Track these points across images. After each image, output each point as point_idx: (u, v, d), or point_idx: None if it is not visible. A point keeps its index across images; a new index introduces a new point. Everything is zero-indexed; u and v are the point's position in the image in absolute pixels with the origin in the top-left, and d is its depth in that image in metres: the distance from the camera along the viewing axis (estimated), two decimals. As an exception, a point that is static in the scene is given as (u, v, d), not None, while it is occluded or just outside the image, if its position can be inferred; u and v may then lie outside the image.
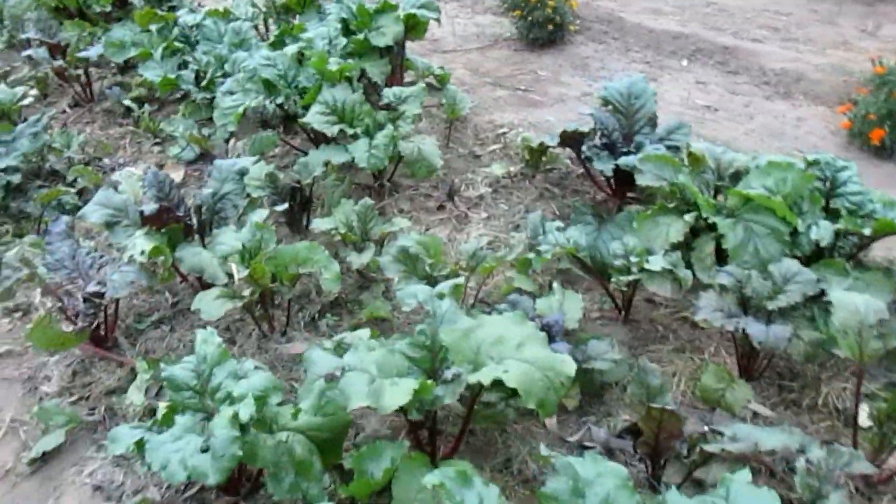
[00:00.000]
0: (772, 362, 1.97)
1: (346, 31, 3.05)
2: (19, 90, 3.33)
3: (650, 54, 3.89)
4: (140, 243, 2.07)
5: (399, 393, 1.43)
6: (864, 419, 1.78)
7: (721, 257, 2.08)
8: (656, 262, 1.96)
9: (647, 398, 1.67)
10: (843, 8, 4.41)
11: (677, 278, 1.97)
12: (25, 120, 3.00)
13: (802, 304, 1.85)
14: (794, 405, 1.92)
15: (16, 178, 2.78)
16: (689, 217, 2.12)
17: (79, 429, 1.92)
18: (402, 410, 1.52)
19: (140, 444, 1.53)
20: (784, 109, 3.37)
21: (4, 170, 2.79)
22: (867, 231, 1.97)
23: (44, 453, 1.85)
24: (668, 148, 2.43)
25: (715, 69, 3.72)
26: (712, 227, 2.10)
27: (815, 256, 2.05)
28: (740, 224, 2.05)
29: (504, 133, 3.09)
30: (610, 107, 2.59)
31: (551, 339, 1.74)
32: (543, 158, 2.78)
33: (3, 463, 1.87)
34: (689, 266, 2.08)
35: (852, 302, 1.69)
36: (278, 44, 3.14)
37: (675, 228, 2.11)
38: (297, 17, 3.63)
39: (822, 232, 1.98)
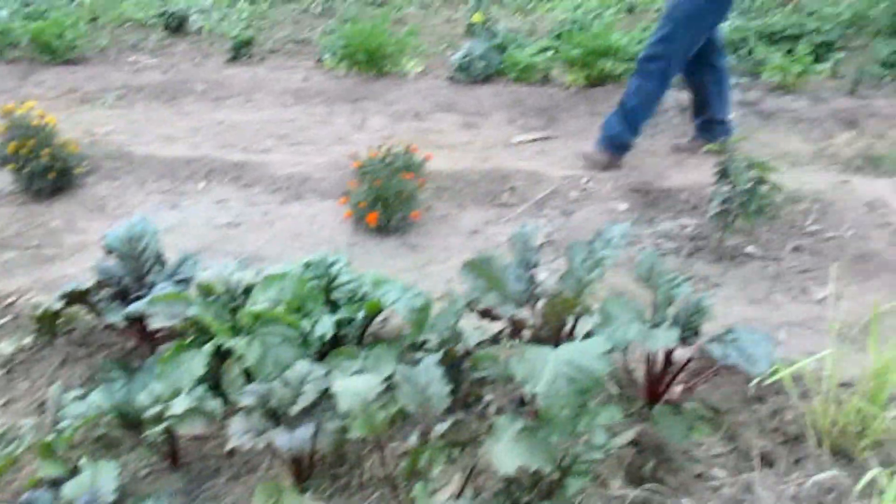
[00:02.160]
0: (314, 458, 2.09)
1: None
2: None
3: (167, 183, 3.93)
4: None
5: None
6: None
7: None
8: (180, 404, 1.96)
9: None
10: (335, 108, 4.98)
11: (206, 412, 1.99)
12: None
13: (321, 400, 2.01)
14: (345, 489, 2.06)
15: None
16: (208, 347, 2.17)
17: None
18: None
19: None
20: (299, 211, 3.67)
21: None
22: (361, 315, 2.23)
23: None
24: (180, 282, 2.47)
25: (231, 185, 3.91)
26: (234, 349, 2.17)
27: (329, 349, 2.25)
28: (256, 340, 2.16)
29: (13, 302, 2.84)
30: (115, 254, 2.54)
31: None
32: (59, 321, 2.61)
33: None
34: (224, 394, 2.14)
35: (351, 388, 1.88)
36: None
37: (197, 363, 2.13)
38: None
39: (325, 327, 2.19)
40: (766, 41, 5.54)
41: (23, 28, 5.68)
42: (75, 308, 2.63)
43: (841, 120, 4.61)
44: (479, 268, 2.11)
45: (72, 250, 3.38)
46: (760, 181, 2.96)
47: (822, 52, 5.44)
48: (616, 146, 3.90)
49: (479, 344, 2.36)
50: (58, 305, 2.39)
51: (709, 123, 4.04)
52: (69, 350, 2.56)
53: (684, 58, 3.70)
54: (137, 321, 2.39)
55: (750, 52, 5.43)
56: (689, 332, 2.15)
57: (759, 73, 5.16)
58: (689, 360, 2.15)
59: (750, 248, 3.25)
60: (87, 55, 5.90)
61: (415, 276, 3.16)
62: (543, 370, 1.83)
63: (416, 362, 2.15)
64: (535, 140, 4.50)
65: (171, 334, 2.54)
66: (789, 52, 5.27)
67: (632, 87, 3.81)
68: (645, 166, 3.98)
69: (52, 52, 5.60)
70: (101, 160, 4.11)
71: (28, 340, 2.59)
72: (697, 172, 3.88)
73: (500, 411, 2.22)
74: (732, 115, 4.24)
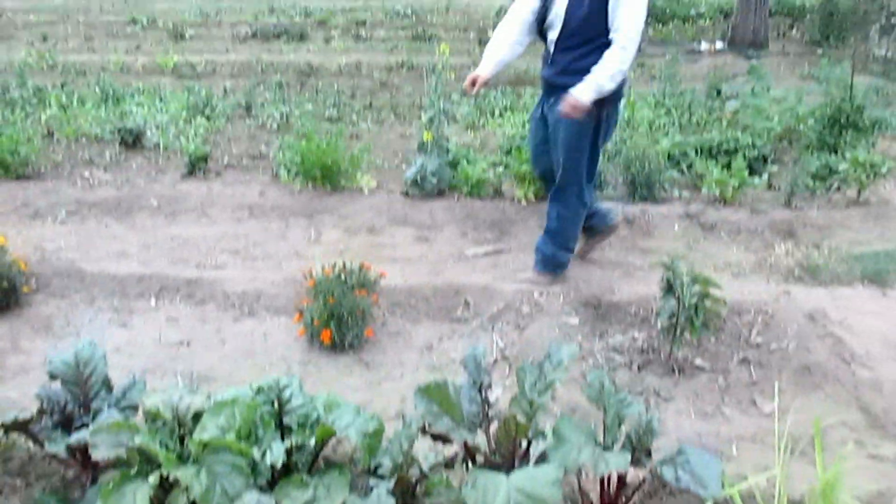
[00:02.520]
0: None
1: None
2: None
3: (117, 301, 3.89)
4: None
5: None
6: None
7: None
8: (121, 543, 1.88)
9: None
10: (290, 222, 5.03)
11: (148, 550, 1.92)
12: None
13: (270, 533, 1.95)
14: None
15: None
16: (152, 478, 2.10)
17: None
18: None
19: None
20: (252, 328, 3.64)
21: None
22: (313, 441, 2.20)
23: None
24: (126, 409, 2.42)
25: (183, 302, 3.88)
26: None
27: (280, 476, 2.20)
28: (203, 470, 2.10)
29: (-52, 432, 2.72)
30: (59, 379, 2.49)
31: None
32: (-3, 451, 2.51)
33: None
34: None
35: (300, 521, 1.84)
36: None
37: (141, 495, 2.06)
38: None
39: (276, 454, 2.15)
40: (704, 155, 5.83)
41: (-24, 144, 5.68)
42: (14, 436, 2.54)
43: (779, 231, 4.82)
44: (432, 392, 2.12)
45: (14, 372, 3.28)
46: (704, 295, 3.06)
47: (757, 165, 5.74)
48: (554, 266, 3.99)
49: (432, 468, 2.34)
50: (-3, 436, 2.30)
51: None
52: (5, 480, 2.45)
53: (592, 174, 3.84)
54: (81, 450, 2.32)
55: (690, 167, 5.70)
56: (640, 452, 2.16)
57: (699, 187, 5.40)
58: (642, 482, 2.16)
59: (699, 361, 3.32)
60: (41, 171, 5.90)
61: (369, 394, 3.15)
62: (496, 498, 1.82)
63: (369, 490, 2.12)
64: (487, 253, 4.59)
65: (116, 462, 2.46)
66: (727, 165, 5.54)
67: (552, 214, 3.91)
68: (594, 279, 4.08)
69: (6, 168, 5.59)
70: (49, 277, 4.05)
71: (-40, 472, 2.48)
72: (644, 285, 3.98)
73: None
74: (619, 216, 4.55)
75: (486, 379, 2.31)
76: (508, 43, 3.75)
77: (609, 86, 3.45)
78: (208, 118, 7.52)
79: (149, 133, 6.70)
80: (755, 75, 7.55)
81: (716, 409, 3.04)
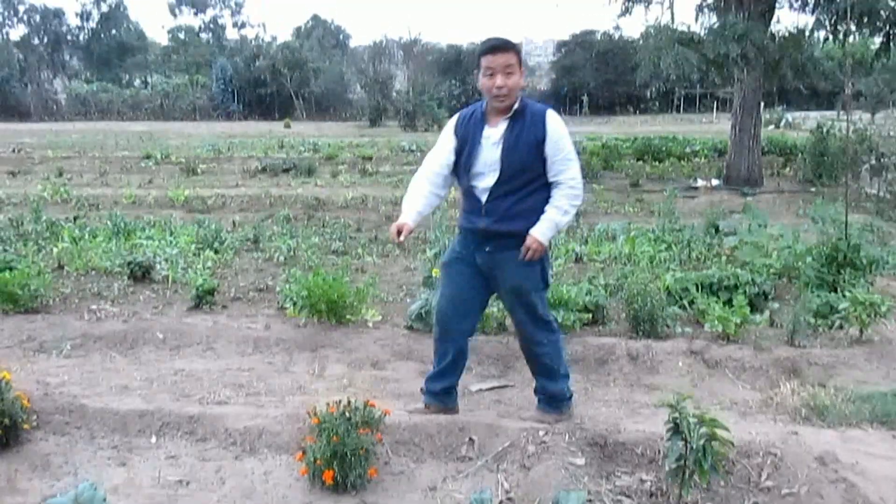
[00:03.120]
0: None
1: None
2: None
3: (117, 438, 3.84)
4: None
5: None
6: None
7: None
8: None
9: None
10: (294, 356, 5.05)
11: None
12: None
13: None
14: None
15: None
16: None
17: None
18: None
19: None
20: (252, 466, 3.58)
21: None
22: None
23: None
24: (123, 556, 2.36)
25: (184, 439, 3.83)
26: None
27: None
28: None
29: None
30: (56, 525, 2.44)
31: None
32: None
33: None
34: None
35: None
36: None
37: None
38: None
39: None
40: (705, 291, 5.91)
41: (-12, 278, 5.78)
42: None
43: (783, 369, 4.81)
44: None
45: (8, 514, 3.20)
46: (712, 437, 3.03)
47: (758, 301, 5.81)
48: (560, 401, 3.97)
49: None
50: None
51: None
52: None
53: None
54: None
55: (692, 303, 5.77)
56: None
57: (701, 323, 5.44)
58: None
59: (709, 505, 3.24)
60: (49, 304, 5.97)
61: (371, 538, 3.06)
62: None
63: None
64: (492, 388, 4.57)
65: None
66: (728, 301, 5.61)
67: (539, 352, 3.93)
68: (599, 417, 4.04)
69: (15, 302, 5.66)
70: (51, 414, 4.02)
71: None
72: (650, 424, 3.94)
73: None
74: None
75: (494, 527, 2.25)
76: (425, 195, 3.81)
77: (565, 223, 3.72)
78: (216, 251, 7.69)
79: (158, 266, 6.84)
80: (749, 213, 7.76)
81: (730, 558, 2.93)
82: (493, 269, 3.76)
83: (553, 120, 3.60)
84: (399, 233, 3.71)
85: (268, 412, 4.08)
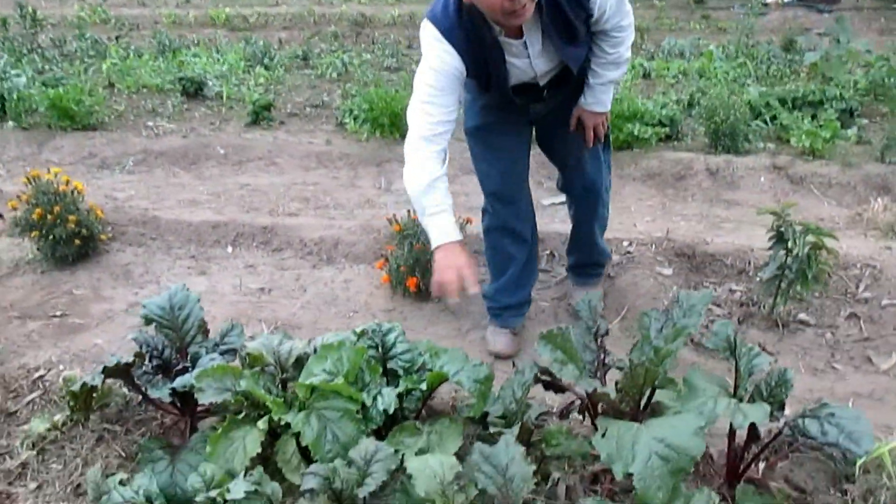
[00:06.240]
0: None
1: None
2: None
3: (194, 248, 3.83)
4: None
5: None
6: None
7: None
8: (238, 489, 1.80)
9: None
10: (359, 171, 4.93)
11: (266, 496, 1.84)
12: None
13: (390, 480, 1.87)
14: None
15: None
16: (262, 424, 2.03)
17: None
18: None
19: None
20: (331, 275, 3.56)
21: None
22: (424, 387, 2.10)
23: None
24: (226, 353, 2.34)
25: (260, 250, 3.80)
26: (289, 426, 2.03)
27: (387, 423, 2.11)
28: (313, 415, 2.02)
29: (42, 376, 2.68)
30: (154, 324, 2.42)
31: None
32: (94, 395, 2.46)
33: None
34: (279, 472, 2.00)
35: (428, 468, 1.75)
36: None
37: (251, 440, 2.00)
38: None
39: (388, 400, 2.05)
40: (789, 107, 5.55)
41: (41, 95, 5.65)
42: (112, 381, 2.49)
43: (873, 186, 4.56)
44: (555, 340, 1.99)
45: (98, 319, 3.24)
46: (818, 247, 2.87)
47: (844, 119, 5.45)
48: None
49: (540, 416, 2.23)
50: (98, 380, 2.24)
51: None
52: (105, 427, 2.40)
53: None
54: (182, 394, 2.25)
55: (774, 118, 5.43)
56: (774, 405, 2.02)
57: (784, 139, 5.15)
58: (775, 436, 2.02)
59: (803, 316, 3.14)
60: (105, 121, 5.86)
61: (457, 342, 3.05)
62: (635, 449, 1.70)
63: (487, 438, 2.02)
64: (563, 202, 4.43)
65: (211, 409, 2.40)
66: (812, 118, 5.27)
67: (597, 214, 3.08)
68: (680, 230, 3.90)
69: (71, 119, 5.56)
70: (125, 226, 4.01)
71: (60, 417, 2.43)
72: (735, 236, 3.80)
73: (569, 491, 2.08)
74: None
75: (603, 325, 2.18)
76: (442, 187, 2.43)
77: (623, 74, 2.72)
78: (267, 68, 7.42)
79: (210, 83, 6.62)
80: (841, 27, 7.15)
81: (826, 365, 2.87)
82: (555, 127, 2.82)
83: None
84: (455, 278, 2.29)
85: (340, 224, 4.02)
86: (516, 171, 2.84)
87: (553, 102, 2.67)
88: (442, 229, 2.34)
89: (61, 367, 2.77)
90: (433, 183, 2.37)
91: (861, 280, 3.30)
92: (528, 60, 2.45)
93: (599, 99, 2.64)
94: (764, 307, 3.16)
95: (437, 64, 2.38)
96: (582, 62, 2.55)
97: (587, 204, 3.00)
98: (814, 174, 4.69)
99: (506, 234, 2.88)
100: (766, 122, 5.41)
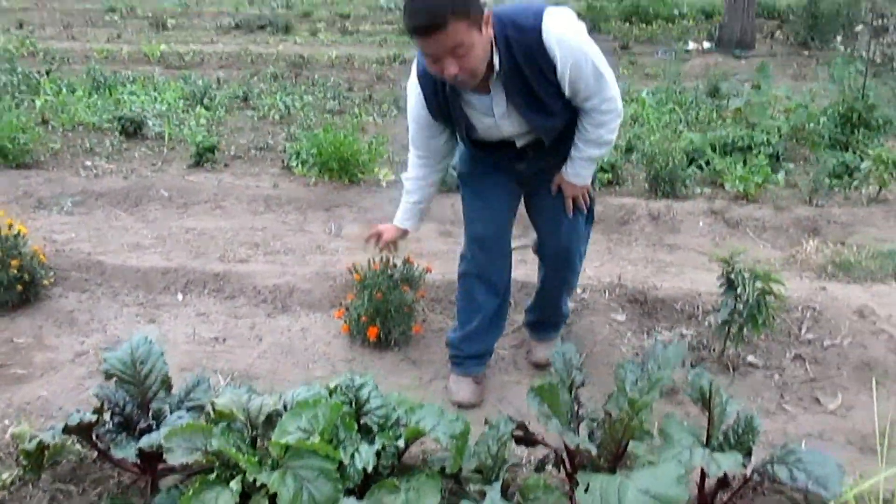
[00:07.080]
0: None
1: None
2: None
3: (141, 295, 3.72)
4: None
5: None
6: None
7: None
8: (217, 554, 1.76)
9: None
10: (308, 216, 4.90)
11: (244, 561, 1.79)
12: None
13: (372, 541, 1.84)
14: None
15: None
16: (234, 484, 1.97)
17: None
18: None
19: None
20: (287, 324, 3.51)
21: None
22: (401, 443, 2.09)
23: None
24: (192, 409, 2.28)
25: (212, 297, 3.73)
26: (264, 486, 1.99)
27: (364, 481, 2.08)
28: (289, 475, 1.98)
29: (-13, 432, 2.55)
30: (115, 379, 2.34)
31: None
32: (46, 452, 2.35)
33: None
34: (251, 533, 1.94)
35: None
36: None
37: (223, 501, 1.94)
38: None
39: (366, 458, 2.03)
40: (720, 152, 5.81)
41: (-29, 131, 5.44)
42: (64, 437, 2.39)
43: (804, 228, 4.80)
44: (545, 394, 2.02)
45: (42, 369, 3.11)
46: (765, 292, 3.00)
47: (772, 163, 5.73)
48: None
49: (511, 468, 2.25)
50: (58, 439, 2.14)
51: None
52: (58, 487, 2.30)
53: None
54: (146, 455, 2.17)
55: (707, 163, 5.68)
56: (742, 451, 2.09)
57: (718, 184, 5.38)
58: (745, 482, 2.09)
59: (751, 358, 3.26)
60: (41, 160, 5.68)
61: (420, 393, 3.04)
62: (622, 502, 1.73)
63: (465, 495, 2.03)
64: (516, 248, 4.49)
65: (172, 468, 2.32)
66: (744, 163, 5.52)
67: (563, 279, 3.08)
68: (627, 275, 4.00)
69: (4, 156, 5.36)
70: (67, 271, 3.87)
71: (8, 477, 2.31)
72: (681, 281, 3.93)
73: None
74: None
75: (578, 378, 2.22)
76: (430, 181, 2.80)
77: (607, 153, 2.79)
78: (207, 108, 7.33)
79: (149, 122, 6.50)
80: (762, 73, 7.56)
81: (777, 407, 2.98)
82: (540, 190, 2.82)
83: (554, 32, 2.26)
84: (378, 237, 2.86)
85: (294, 270, 3.98)
86: (498, 222, 2.88)
87: (537, 165, 2.70)
88: (399, 214, 2.87)
89: (6, 421, 2.65)
90: (417, 182, 2.79)
91: (803, 322, 3.45)
92: (494, 119, 2.49)
93: (579, 172, 2.65)
94: (714, 350, 3.27)
95: (410, 104, 2.59)
96: (555, 135, 2.56)
97: (555, 269, 3.01)
98: (748, 217, 4.91)
99: (480, 282, 2.91)
100: (700, 168, 5.64)
